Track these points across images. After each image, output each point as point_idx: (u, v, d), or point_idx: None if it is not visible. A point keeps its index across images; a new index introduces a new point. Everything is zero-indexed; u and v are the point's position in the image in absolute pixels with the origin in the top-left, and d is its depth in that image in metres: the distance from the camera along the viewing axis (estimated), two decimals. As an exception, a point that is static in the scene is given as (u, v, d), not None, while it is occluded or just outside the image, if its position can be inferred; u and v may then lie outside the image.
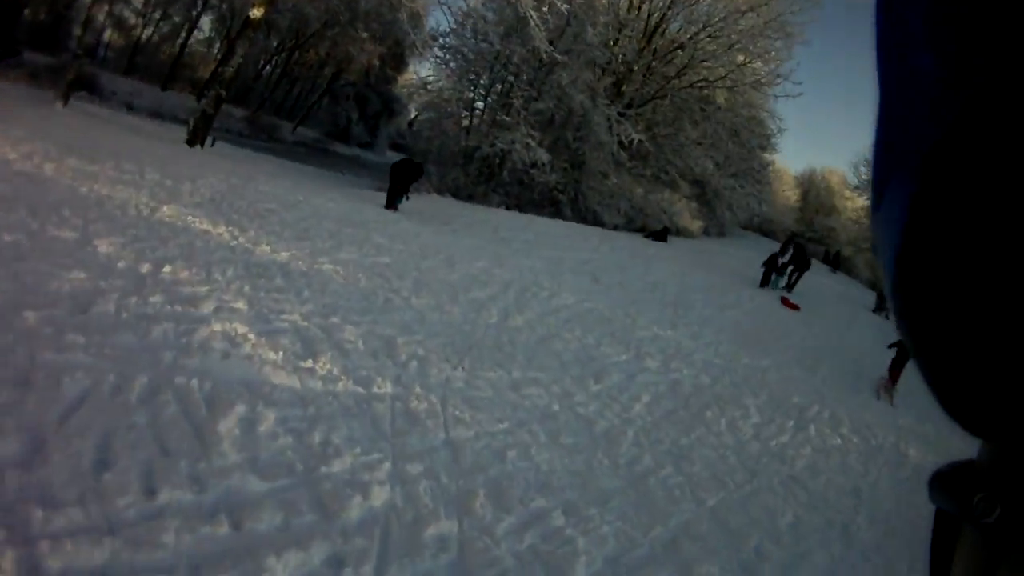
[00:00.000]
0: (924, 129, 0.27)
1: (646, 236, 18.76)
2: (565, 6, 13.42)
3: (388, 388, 3.58)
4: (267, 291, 4.45)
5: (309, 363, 3.50)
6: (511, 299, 6.76)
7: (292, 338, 3.76)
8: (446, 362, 4.38)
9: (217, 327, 3.48)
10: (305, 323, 4.08)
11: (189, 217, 5.69)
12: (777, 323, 11.24)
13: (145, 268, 3.99)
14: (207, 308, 3.72)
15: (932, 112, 0.26)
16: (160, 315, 3.38)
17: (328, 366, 3.55)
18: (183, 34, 32.25)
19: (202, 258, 4.64)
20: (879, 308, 18.71)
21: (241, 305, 3.98)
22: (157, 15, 32.46)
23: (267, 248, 5.59)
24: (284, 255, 5.53)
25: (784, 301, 14.57)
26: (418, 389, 3.71)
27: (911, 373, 10.69)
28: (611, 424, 4.35)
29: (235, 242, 5.41)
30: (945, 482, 0.32)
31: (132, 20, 32.41)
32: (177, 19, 32.70)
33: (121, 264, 3.94)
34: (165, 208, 5.69)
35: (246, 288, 4.34)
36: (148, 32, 32.98)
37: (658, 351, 6.63)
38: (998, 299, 0.24)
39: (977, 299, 0.25)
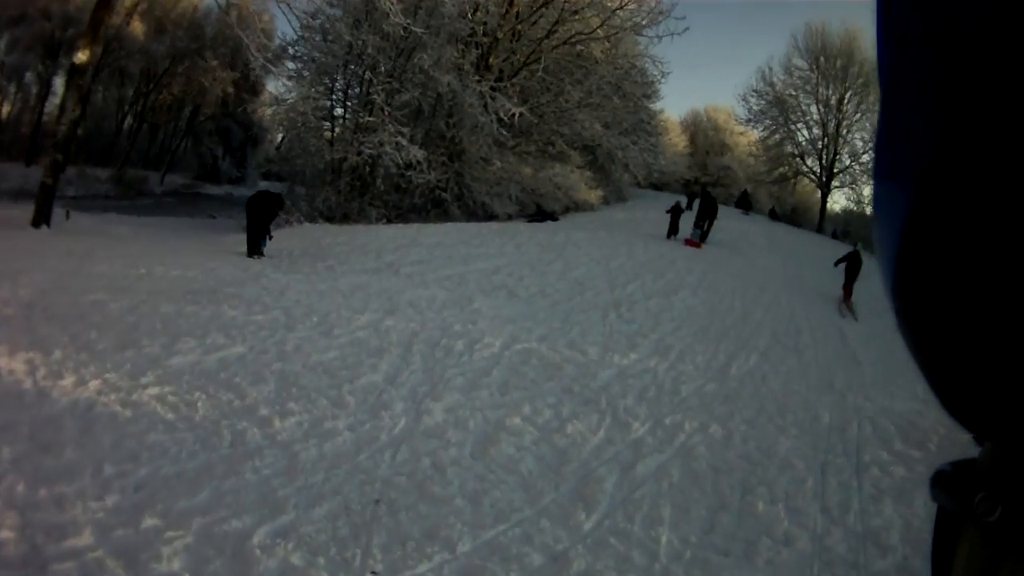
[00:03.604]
0: (927, 129, 0.26)
1: (529, 220, 16.97)
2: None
3: None
4: (48, 482, 2.57)
5: None
6: (418, 372, 4.63)
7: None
8: (341, 570, 2.39)
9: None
10: (97, 552, 2.23)
11: (-22, 351, 3.75)
12: (731, 296, 9.75)
13: None
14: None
15: (935, 113, 0.26)
16: None
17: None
18: (39, 102, 28.30)
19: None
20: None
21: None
22: (13, 88, 28.66)
23: (69, 382, 3.56)
24: (92, 387, 3.55)
25: (688, 241, 14.71)
26: None
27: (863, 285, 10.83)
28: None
29: (27, 383, 3.49)
30: (947, 481, 0.31)
31: (-12, 96, 27.99)
32: (34, 88, 28.83)
33: None
34: (-52, 344, 3.76)
35: (18, 490, 2.46)
36: (7, 108, 29.01)
37: (636, 400, 4.77)
38: (998, 300, 0.24)
39: (978, 300, 0.25)
